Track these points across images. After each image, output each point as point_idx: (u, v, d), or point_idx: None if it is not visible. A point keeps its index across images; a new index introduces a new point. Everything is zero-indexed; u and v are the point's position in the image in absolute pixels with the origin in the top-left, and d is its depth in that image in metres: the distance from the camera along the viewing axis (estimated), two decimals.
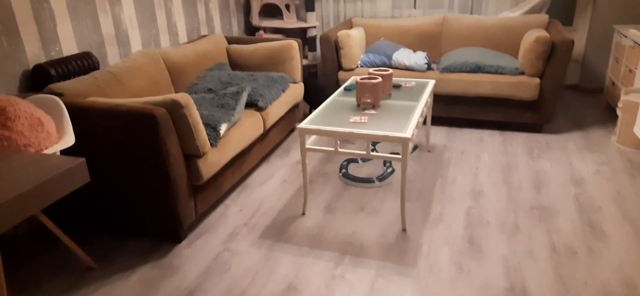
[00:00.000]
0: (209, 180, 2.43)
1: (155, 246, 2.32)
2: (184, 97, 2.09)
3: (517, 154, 3.20)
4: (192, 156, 2.22)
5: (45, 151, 1.71)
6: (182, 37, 3.60)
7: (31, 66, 2.37)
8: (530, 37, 3.35)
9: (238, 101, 2.64)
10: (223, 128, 2.42)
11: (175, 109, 2.07)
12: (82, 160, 1.44)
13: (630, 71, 3.51)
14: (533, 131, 3.62)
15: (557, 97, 3.38)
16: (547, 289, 1.94)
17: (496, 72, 3.48)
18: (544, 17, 3.82)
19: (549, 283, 1.97)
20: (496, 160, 3.13)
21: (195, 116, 2.13)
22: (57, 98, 1.99)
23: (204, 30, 3.88)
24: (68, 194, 2.32)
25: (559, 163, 3.07)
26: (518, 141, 3.44)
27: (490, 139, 3.49)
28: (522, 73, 3.44)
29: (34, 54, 2.38)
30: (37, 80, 2.35)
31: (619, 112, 3.29)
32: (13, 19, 2.26)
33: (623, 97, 3.24)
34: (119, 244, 2.35)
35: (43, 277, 2.13)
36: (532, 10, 4.11)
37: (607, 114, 3.91)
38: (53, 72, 2.34)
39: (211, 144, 2.33)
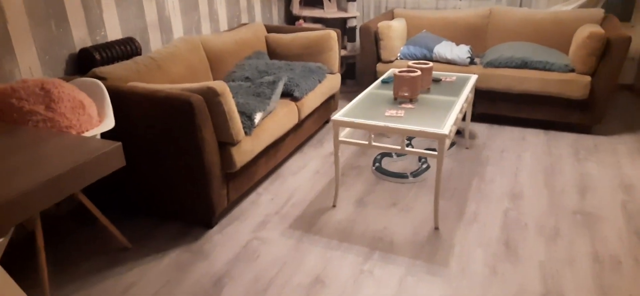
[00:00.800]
0: (242, 168, 2.45)
1: (187, 231, 2.38)
2: (220, 85, 2.11)
3: (562, 156, 3.05)
4: (226, 143, 2.24)
5: (86, 133, 1.78)
6: (223, 24, 3.64)
7: (77, 49, 2.46)
8: (583, 33, 3.16)
9: (274, 90, 2.64)
10: (258, 117, 2.44)
11: (211, 97, 2.10)
12: (118, 144, 1.47)
13: None
14: (581, 131, 3.43)
15: (609, 98, 3.18)
16: None
17: (544, 69, 3.31)
18: (599, 12, 3.59)
19: (588, 294, 1.87)
20: (539, 161, 2.98)
21: (230, 104, 2.15)
22: (99, 82, 2.06)
23: (244, 19, 3.91)
24: (107, 177, 2.41)
25: (608, 166, 2.89)
26: (564, 141, 3.26)
27: (534, 138, 3.33)
28: (572, 70, 3.26)
29: (80, 38, 2.48)
30: (82, 63, 2.44)
31: None
32: (62, 4, 2.35)
33: None
34: (154, 227, 2.42)
35: (81, 255, 2.22)
36: (587, 5, 3.87)
37: None
38: (97, 56, 2.42)
39: (245, 133, 2.35)
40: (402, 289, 1.93)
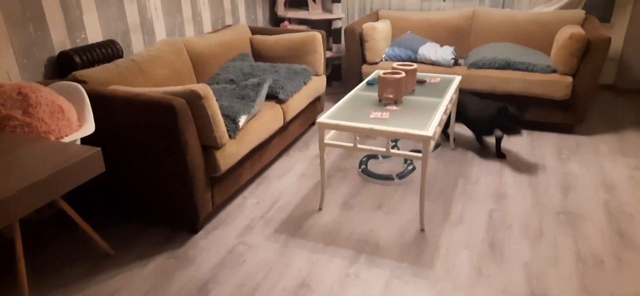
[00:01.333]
0: (227, 172, 2.43)
1: (171, 236, 2.34)
2: (203, 88, 2.09)
3: (545, 156, 3.08)
4: (210, 147, 2.21)
5: (65, 138, 1.74)
6: (207, 26, 3.61)
7: (57, 52, 2.41)
8: (565, 34, 3.20)
9: (258, 92, 2.62)
10: (242, 120, 2.41)
11: (194, 100, 2.07)
12: (97, 150, 1.44)
13: None
14: (563, 131, 3.47)
15: (591, 98, 3.23)
16: None
17: (527, 70, 3.35)
18: (580, 13, 3.64)
19: (572, 293, 1.89)
20: (522, 161, 3.02)
21: (214, 107, 2.12)
22: (79, 85, 2.02)
23: (229, 20, 3.88)
24: (89, 182, 2.36)
25: (590, 166, 2.93)
26: (547, 141, 3.31)
27: (518, 139, 3.37)
28: (554, 71, 3.30)
29: (60, 41, 2.42)
30: (62, 67, 2.39)
31: None
32: (40, 6, 2.30)
33: None
34: (137, 233, 2.38)
35: (62, 262, 2.18)
36: (568, 6, 3.93)
37: None
38: (77, 59, 2.37)
39: (230, 136, 2.32)
40: (388, 292, 1.92)
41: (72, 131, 1.80)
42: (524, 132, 3.45)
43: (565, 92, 3.23)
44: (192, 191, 2.16)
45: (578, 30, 3.15)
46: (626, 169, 2.88)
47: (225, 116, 2.35)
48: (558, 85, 3.22)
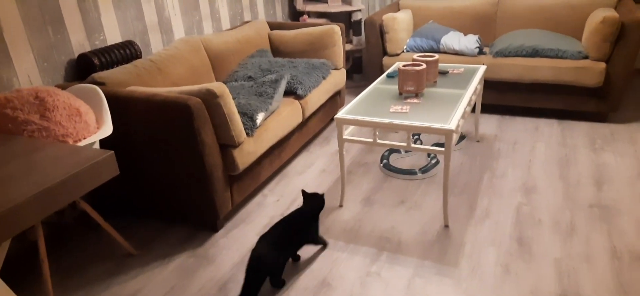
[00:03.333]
0: (246, 170, 2.40)
1: (192, 235, 2.34)
2: (219, 87, 2.06)
3: (577, 146, 2.94)
4: (227, 145, 2.20)
5: (83, 141, 1.74)
6: (225, 23, 3.60)
7: (76, 55, 2.44)
8: (597, 18, 3.04)
9: (276, 89, 2.59)
10: (260, 117, 2.38)
11: (210, 99, 2.05)
12: (110, 153, 1.44)
13: None
14: (596, 120, 3.31)
15: (626, 84, 3.05)
16: None
17: (556, 56, 3.19)
18: None
19: (608, 292, 1.78)
20: (553, 152, 2.88)
21: (230, 105, 2.10)
22: (97, 88, 2.03)
23: (247, 16, 3.85)
24: (111, 183, 2.38)
25: (625, 156, 2.78)
26: (579, 131, 3.15)
27: (547, 129, 3.23)
28: (586, 57, 3.14)
29: (79, 43, 2.45)
30: (81, 69, 2.42)
31: None
32: (58, 9, 2.32)
33: None
34: (159, 232, 2.39)
35: (86, 262, 2.20)
36: None
37: None
38: (96, 61, 2.39)
39: (247, 134, 2.30)
40: (410, 291, 1.86)
41: (90, 133, 1.81)
42: (555, 122, 3.30)
43: (597, 79, 3.06)
44: (211, 190, 2.15)
45: (611, 13, 2.98)
46: None
47: (242, 113, 2.32)
48: (590, 72, 3.06)
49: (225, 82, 2.94)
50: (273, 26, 3.67)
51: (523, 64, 3.23)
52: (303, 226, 2.02)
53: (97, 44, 2.55)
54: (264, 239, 1.87)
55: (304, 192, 2.09)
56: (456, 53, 3.50)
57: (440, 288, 1.87)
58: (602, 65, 3.05)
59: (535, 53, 3.25)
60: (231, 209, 2.48)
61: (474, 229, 2.21)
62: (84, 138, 1.78)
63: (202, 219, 2.31)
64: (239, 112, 2.34)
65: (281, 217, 2.29)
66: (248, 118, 2.31)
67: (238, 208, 2.56)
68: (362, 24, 4.42)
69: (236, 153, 2.20)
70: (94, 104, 1.99)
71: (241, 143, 2.23)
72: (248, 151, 2.29)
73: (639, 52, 2.98)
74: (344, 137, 2.31)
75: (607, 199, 2.37)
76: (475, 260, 2.01)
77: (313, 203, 2.06)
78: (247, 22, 3.63)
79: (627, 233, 2.11)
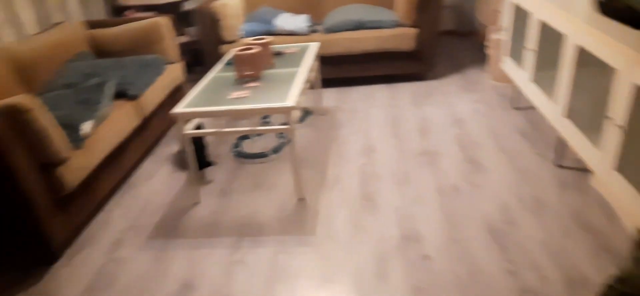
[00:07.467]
0: (80, 187, 2.15)
1: (27, 273, 2.02)
2: (25, 100, 1.79)
3: (404, 105, 3.31)
4: (49, 164, 1.93)
5: None
6: (31, 28, 3.13)
7: None
8: None
9: (102, 93, 2.35)
10: (87, 127, 2.15)
11: (16, 116, 1.77)
12: None
13: (496, 11, 3.76)
14: (417, 80, 3.76)
15: (434, 45, 3.52)
16: (436, 230, 2.03)
17: (377, 27, 3.52)
18: None
19: (437, 224, 2.06)
20: (385, 114, 3.20)
21: (43, 119, 1.84)
22: None
23: (58, 18, 3.41)
24: None
25: (441, 106, 3.22)
26: (404, 91, 3.55)
27: (379, 93, 3.56)
28: (400, 25, 3.52)
29: None
30: None
31: (487, 51, 3.52)
32: None
33: (490, 36, 3.46)
34: None
35: None
36: None
37: (482, 54, 4.19)
38: None
39: (74, 147, 2.05)
40: (275, 268, 1.90)
41: None
42: (385, 87, 3.66)
43: (412, 44, 3.47)
44: (35, 218, 1.87)
45: None
46: (471, 103, 3.22)
47: (64, 125, 2.06)
48: (404, 37, 3.45)
49: (41, 94, 2.57)
50: (93, 25, 3.31)
51: (351, 37, 3.49)
52: None
53: None
54: None
55: None
56: (290, 34, 3.61)
57: (302, 258, 1.94)
58: (414, 30, 3.46)
59: (360, 26, 3.53)
60: (70, 234, 2.21)
61: (326, 197, 2.34)
62: None
63: (31, 255, 2.01)
64: (60, 124, 2.07)
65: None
66: (71, 130, 2.06)
67: (79, 230, 2.29)
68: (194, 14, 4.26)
69: (62, 171, 1.95)
70: None
71: (67, 159, 1.98)
72: (78, 166, 2.05)
73: (440, 15, 3.45)
74: (187, 132, 2.22)
75: (430, 145, 2.73)
76: (330, 224, 2.14)
77: None
78: (57, 23, 3.20)
79: (447, 171, 2.45)
